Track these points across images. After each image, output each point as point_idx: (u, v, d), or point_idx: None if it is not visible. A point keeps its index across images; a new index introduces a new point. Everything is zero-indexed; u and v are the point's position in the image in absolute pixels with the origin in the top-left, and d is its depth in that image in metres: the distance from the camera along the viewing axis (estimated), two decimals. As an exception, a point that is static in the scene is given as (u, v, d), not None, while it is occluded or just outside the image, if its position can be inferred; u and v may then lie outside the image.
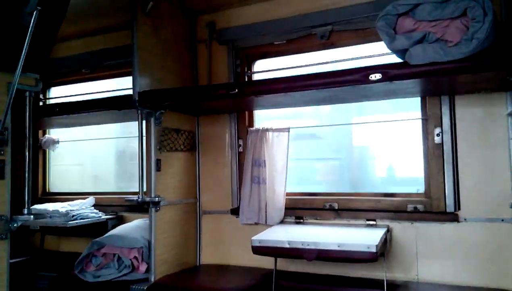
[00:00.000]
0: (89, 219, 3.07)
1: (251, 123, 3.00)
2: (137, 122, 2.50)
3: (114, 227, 3.01)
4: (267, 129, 2.78)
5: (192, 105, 2.70)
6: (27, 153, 1.94)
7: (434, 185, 2.41)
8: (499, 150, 2.26)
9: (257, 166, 2.79)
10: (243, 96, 2.33)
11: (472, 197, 2.32)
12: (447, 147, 2.37)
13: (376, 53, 2.52)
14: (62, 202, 3.26)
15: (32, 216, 1.90)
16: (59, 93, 3.79)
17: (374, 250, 1.97)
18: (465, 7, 1.69)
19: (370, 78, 1.94)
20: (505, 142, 2.24)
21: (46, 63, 2.07)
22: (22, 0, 1.74)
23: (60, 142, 3.73)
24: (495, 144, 2.27)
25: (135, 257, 2.57)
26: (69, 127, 3.67)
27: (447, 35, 1.74)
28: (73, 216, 3.00)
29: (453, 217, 2.33)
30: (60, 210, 3.03)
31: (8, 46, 1.84)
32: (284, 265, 2.63)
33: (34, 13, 1.70)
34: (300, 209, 2.75)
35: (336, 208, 2.66)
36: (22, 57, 1.72)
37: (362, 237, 2.24)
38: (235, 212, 2.89)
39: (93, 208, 3.24)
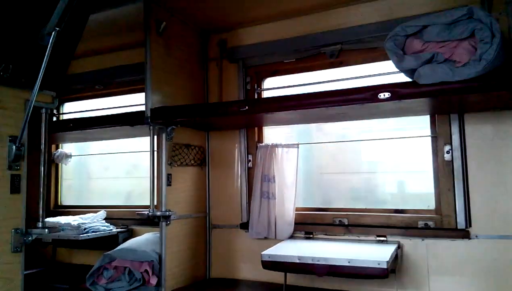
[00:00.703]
0: (100, 232, 3.11)
1: (260, 139, 3.03)
2: (148, 137, 2.55)
3: (125, 240, 3.04)
4: (277, 145, 2.81)
5: (202, 121, 2.74)
6: (42, 168, 1.98)
7: (444, 201, 2.41)
8: (509, 167, 2.26)
9: (267, 181, 2.81)
10: (253, 113, 2.36)
11: (483, 214, 2.31)
12: (457, 164, 2.37)
13: (385, 71, 2.55)
14: (73, 215, 3.31)
15: (46, 230, 1.93)
16: (72, 109, 3.87)
17: (385, 266, 1.98)
18: (473, 29, 1.71)
19: (379, 96, 1.96)
20: (516, 160, 2.24)
21: (62, 80, 2.12)
22: (41, 21, 1.80)
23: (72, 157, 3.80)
24: (505, 161, 2.28)
25: (146, 271, 2.58)
26: (82, 142, 3.73)
27: (455, 55, 1.76)
28: (84, 229, 3.04)
29: (464, 234, 2.33)
30: (72, 223, 3.07)
31: (27, 65, 1.90)
32: (294, 280, 2.63)
33: (53, 33, 1.76)
34: (310, 224, 2.76)
35: (346, 223, 2.66)
36: (40, 75, 1.77)
37: (373, 253, 2.24)
38: (244, 226, 2.91)
39: (104, 221, 3.27)
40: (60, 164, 3.86)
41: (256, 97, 3.02)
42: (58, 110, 3.88)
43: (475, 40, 1.72)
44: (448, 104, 2.20)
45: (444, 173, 2.42)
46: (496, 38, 1.65)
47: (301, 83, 2.88)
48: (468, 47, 1.73)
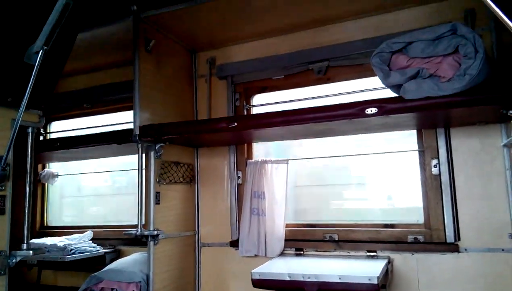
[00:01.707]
0: (87, 253, 3.05)
1: (250, 156, 3.03)
2: (136, 155, 2.53)
3: (112, 260, 2.98)
4: (266, 161, 2.81)
5: (192, 138, 2.74)
6: (27, 188, 1.94)
7: (433, 215, 2.43)
8: (496, 181, 2.29)
9: (256, 197, 2.80)
10: (242, 130, 2.36)
11: (472, 227, 2.33)
12: (445, 178, 2.40)
13: (371, 87, 2.58)
14: (59, 236, 3.24)
15: (31, 252, 1.89)
16: (60, 128, 3.83)
17: (375, 281, 1.96)
18: (457, 45, 1.76)
19: (366, 112, 1.98)
20: (502, 173, 2.28)
21: (49, 99, 2.10)
22: (28, 40, 1.80)
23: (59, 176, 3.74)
24: (492, 175, 2.31)
25: (134, 292, 2.54)
26: (69, 161, 3.68)
27: (440, 71, 1.80)
28: (71, 250, 2.99)
29: (454, 248, 2.34)
30: (58, 244, 3.02)
31: (13, 84, 1.88)
32: (285, 298, 2.60)
33: (40, 52, 1.75)
34: (300, 240, 2.75)
35: (336, 239, 2.65)
36: (26, 95, 1.75)
37: (363, 268, 2.23)
38: (234, 244, 2.88)
39: (91, 241, 3.22)
40: (46, 183, 3.80)
41: (245, 113, 3.03)
42: (45, 129, 3.84)
43: (459, 55, 1.76)
44: (434, 118, 2.24)
45: (432, 187, 2.44)
46: (480, 53, 1.69)
47: (290, 99, 2.90)
48: (452, 63, 1.77)
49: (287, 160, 2.78)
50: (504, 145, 2.26)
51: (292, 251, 2.74)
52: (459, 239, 2.34)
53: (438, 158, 2.43)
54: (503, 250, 2.24)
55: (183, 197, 2.90)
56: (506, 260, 2.23)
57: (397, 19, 2.54)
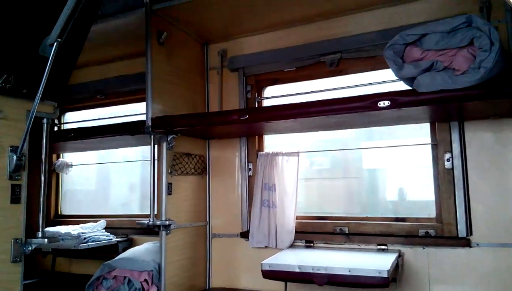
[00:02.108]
0: (100, 242, 3.09)
1: (261, 148, 3.03)
2: (149, 146, 2.56)
3: (124, 249, 3.03)
4: (277, 154, 2.81)
5: (203, 130, 2.75)
6: (42, 178, 1.97)
7: (445, 209, 2.40)
8: (510, 175, 2.26)
9: (267, 189, 2.81)
10: (254, 122, 2.37)
11: (484, 222, 2.30)
12: (458, 172, 2.37)
13: (384, 80, 2.56)
14: (73, 224, 3.30)
15: (46, 240, 1.92)
16: (73, 118, 3.88)
17: (385, 275, 1.96)
18: (472, 37, 1.72)
19: (378, 105, 1.96)
20: (516, 167, 2.24)
21: (63, 90, 2.13)
22: (43, 32, 1.82)
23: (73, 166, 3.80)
24: (506, 169, 2.27)
25: (145, 280, 2.57)
26: (83, 151, 3.73)
27: (454, 63, 1.77)
28: (84, 238, 3.03)
29: (465, 242, 2.32)
30: (72, 232, 3.06)
31: (28, 76, 1.90)
32: (294, 289, 2.61)
33: (55, 44, 1.76)
34: (310, 233, 2.75)
35: (347, 232, 2.65)
36: (41, 86, 1.77)
37: (373, 262, 2.22)
38: (245, 235, 2.90)
39: (104, 230, 3.27)
40: (60, 173, 3.86)
41: (256, 106, 3.03)
42: (59, 120, 3.89)
43: (474, 48, 1.73)
44: (447, 112, 2.21)
45: (444, 180, 2.42)
46: (495, 46, 1.66)
47: (301, 92, 2.89)
48: (467, 55, 1.74)
49: (298, 152, 2.78)
50: (519, 139, 2.23)
51: (302, 243, 2.75)
52: (471, 234, 2.32)
53: (451, 152, 2.40)
54: (515, 245, 2.21)
55: (194, 188, 2.93)
56: (519, 255, 2.21)
57: (411, 10, 2.49)
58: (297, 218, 2.77)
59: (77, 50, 2.06)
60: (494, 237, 2.27)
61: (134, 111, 3.32)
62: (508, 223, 2.24)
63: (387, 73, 2.43)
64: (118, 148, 3.48)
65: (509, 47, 2.17)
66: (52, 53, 1.76)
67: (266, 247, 2.78)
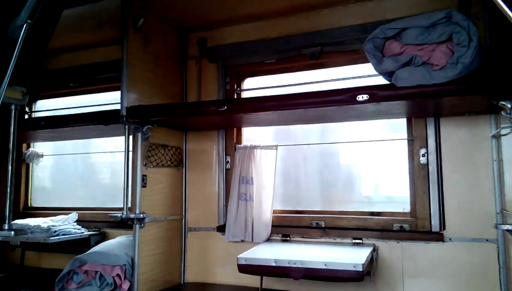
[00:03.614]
0: (71, 235, 3.01)
1: (239, 140, 3.00)
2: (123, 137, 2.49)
3: (97, 243, 2.96)
4: (255, 147, 2.79)
5: (180, 121, 2.70)
6: (9, 167, 1.89)
7: (419, 204, 2.44)
8: (484, 171, 2.31)
9: (245, 183, 2.78)
10: (232, 114, 2.33)
11: (457, 217, 2.35)
12: (432, 167, 2.41)
13: (364, 74, 2.56)
14: (44, 217, 3.20)
15: (13, 232, 1.85)
16: (45, 107, 3.75)
17: (360, 269, 1.97)
18: (451, 32, 1.73)
19: (357, 99, 1.96)
20: (490, 164, 2.29)
21: (33, 76, 2.04)
22: (12, 13, 1.73)
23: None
24: (479, 165, 2.32)
25: (118, 275, 2.51)
26: (55, 141, 3.62)
27: (433, 59, 1.78)
28: (55, 231, 2.94)
29: (439, 237, 2.36)
30: (42, 225, 2.97)
31: (-5, 59, 1.81)
32: (270, 283, 2.60)
33: (24, 26, 1.68)
34: (287, 226, 2.74)
35: (323, 226, 2.66)
36: (9, 70, 1.69)
37: (349, 256, 2.23)
38: (221, 229, 2.87)
39: (75, 223, 3.18)
40: (31, 163, 3.73)
41: (235, 97, 2.99)
42: (30, 108, 3.75)
43: (453, 43, 1.74)
44: (424, 107, 2.23)
45: (419, 176, 2.45)
46: (473, 42, 1.67)
47: (281, 84, 2.87)
48: (445, 51, 1.75)
49: (276, 145, 2.76)
50: (493, 136, 2.27)
51: (279, 237, 2.74)
52: (444, 228, 2.37)
53: (426, 147, 2.43)
54: (487, 240, 2.26)
55: (170, 180, 2.87)
56: (490, 250, 2.25)
57: (391, 5, 2.50)
58: (274, 211, 2.76)
59: (48, 34, 1.98)
60: (467, 232, 2.31)
61: (111, 100, 3.22)
62: (480, 218, 2.29)
63: (367, 68, 2.43)
64: (92, 137, 3.38)
65: (486, 43, 2.20)
66: (21, 35, 1.67)
67: (242, 241, 2.76)
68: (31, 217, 3.29)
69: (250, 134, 3.03)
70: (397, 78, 1.87)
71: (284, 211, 2.84)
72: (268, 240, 2.72)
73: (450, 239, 2.34)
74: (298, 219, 2.75)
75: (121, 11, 2.47)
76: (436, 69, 1.78)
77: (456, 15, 1.72)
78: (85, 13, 2.74)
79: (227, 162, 2.96)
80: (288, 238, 2.72)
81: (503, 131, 2.04)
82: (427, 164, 2.43)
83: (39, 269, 3.38)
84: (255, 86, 3.01)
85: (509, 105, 1.75)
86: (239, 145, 2.89)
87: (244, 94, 3.05)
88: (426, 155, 2.43)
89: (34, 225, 2.98)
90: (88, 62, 3.30)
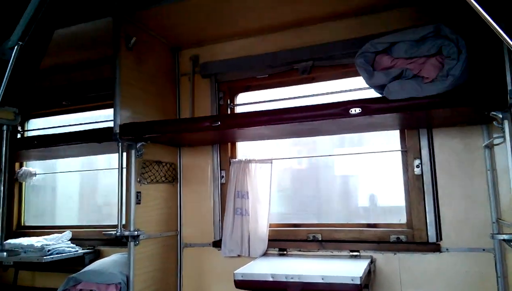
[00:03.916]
0: (65, 254, 2.98)
1: (233, 155, 3.00)
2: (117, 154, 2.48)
3: (91, 261, 2.92)
4: (250, 161, 2.79)
5: (174, 137, 2.69)
6: (2, 188, 1.87)
7: (415, 215, 2.44)
8: (478, 181, 2.32)
9: (240, 197, 2.77)
10: (226, 129, 2.33)
11: (453, 227, 2.35)
12: (427, 178, 2.41)
13: (356, 87, 2.58)
14: (37, 236, 3.16)
15: (5, 253, 1.83)
16: (38, 125, 3.73)
17: (358, 282, 1.96)
18: (440, 45, 1.76)
19: (350, 112, 1.97)
20: (483, 174, 2.30)
21: (26, 96, 2.03)
22: (3, 34, 1.73)
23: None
24: (473, 175, 2.33)
25: (113, 294, 2.48)
26: (48, 159, 3.59)
27: (423, 71, 1.80)
28: (48, 250, 2.91)
29: (435, 247, 2.35)
30: (35, 244, 2.94)
31: (-14, 80, 1.81)
32: (268, 299, 2.58)
33: (15, 47, 1.68)
34: (284, 240, 2.73)
35: (320, 239, 2.64)
36: (1, 91, 1.69)
37: (346, 269, 2.22)
38: (217, 244, 2.85)
39: (69, 242, 3.14)
40: (24, 182, 3.70)
41: (229, 112, 2.99)
42: (22, 127, 3.74)
43: (443, 56, 1.77)
44: (417, 119, 2.25)
45: (414, 186, 2.46)
46: (463, 54, 1.70)
47: (274, 98, 2.88)
48: (435, 64, 1.78)
49: (271, 160, 2.76)
50: (486, 146, 2.28)
51: (276, 251, 2.72)
52: (440, 239, 2.36)
53: (420, 158, 2.44)
54: (484, 249, 2.26)
55: (165, 196, 2.85)
56: (487, 260, 2.25)
57: (381, 20, 2.53)
58: (270, 225, 2.75)
59: (40, 55, 1.97)
60: (463, 242, 2.32)
61: (104, 118, 3.21)
62: (476, 228, 2.29)
63: (358, 81, 2.45)
64: (86, 155, 3.36)
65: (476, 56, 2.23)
66: (12, 57, 1.68)
67: (239, 256, 2.74)
68: (24, 236, 3.25)
69: (248, 149, 3.02)
70: (388, 91, 1.88)
71: (281, 224, 2.83)
72: (265, 254, 2.70)
73: (447, 249, 2.34)
74: (294, 233, 2.74)
75: (113, 31, 2.48)
76: (426, 82, 1.80)
77: (445, 29, 1.75)
78: (78, 32, 2.74)
79: (222, 177, 2.95)
80: (285, 252, 2.70)
81: (495, 141, 2.06)
82: (422, 174, 2.43)
83: (33, 289, 3.32)
84: (248, 101, 3.02)
85: (500, 116, 1.76)
86: (234, 159, 2.89)
87: (238, 109, 3.05)
88: (420, 165, 2.44)
89: (27, 244, 2.95)
90: (81, 80, 3.30)
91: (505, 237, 1.74)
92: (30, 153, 3.13)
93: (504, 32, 1.11)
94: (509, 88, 1.66)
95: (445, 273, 2.33)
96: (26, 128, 3.75)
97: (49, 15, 1.76)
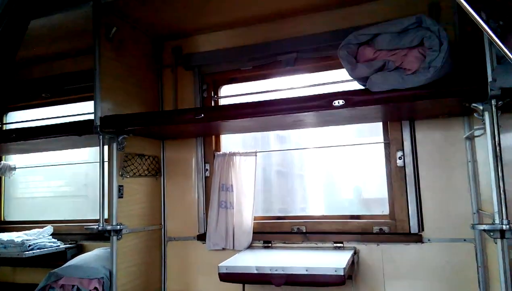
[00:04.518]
0: (46, 249, 2.93)
1: (218, 148, 2.98)
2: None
3: (73, 256, 2.88)
4: (234, 154, 2.77)
5: (157, 130, 2.66)
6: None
7: (398, 206, 2.46)
8: (459, 172, 2.35)
9: (224, 190, 2.76)
10: (210, 121, 2.31)
11: (435, 218, 2.38)
12: (409, 170, 2.43)
13: (339, 79, 2.58)
14: (18, 231, 3.10)
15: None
16: (17, 118, 3.64)
17: (341, 273, 1.98)
18: (422, 37, 1.76)
19: (333, 104, 1.97)
20: (464, 165, 2.33)
21: (2, 88, 1.97)
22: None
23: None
24: (454, 166, 2.36)
25: (96, 288, 2.43)
26: (28, 153, 3.51)
27: (405, 63, 1.80)
28: (29, 246, 2.86)
29: (417, 238, 2.38)
30: (16, 239, 2.88)
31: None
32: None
33: (-11, 37, 1.63)
34: (268, 233, 2.73)
35: (304, 231, 2.65)
36: (-25, 82, 1.64)
37: (330, 260, 2.24)
38: (201, 238, 2.84)
39: (51, 237, 3.09)
40: (3, 177, 3.62)
41: (213, 105, 2.97)
42: (1, 120, 3.64)
43: (424, 48, 1.77)
44: (399, 111, 2.26)
45: (397, 178, 2.47)
46: (444, 45, 1.70)
47: (258, 91, 2.87)
48: (417, 55, 1.78)
49: (256, 152, 2.75)
50: (466, 137, 2.31)
51: (260, 244, 2.72)
52: (422, 230, 2.39)
53: (403, 150, 2.46)
54: (464, 240, 2.30)
55: (148, 190, 2.82)
56: (468, 250, 2.29)
57: (364, 11, 2.53)
58: (255, 218, 2.75)
59: (15, 45, 1.92)
60: (444, 233, 2.35)
61: (85, 110, 3.14)
62: (457, 218, 2.32)
63: (342, 73, 2.45)
64: (66, 149, 3.29)
65: (457, 48, 2.24)
66: (-14, 46, 1.62)
67: (223, 249, 2.73)
68: (4, 231, 3.18)
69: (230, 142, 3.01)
70: (371, 83, 1.88)
71: (265, 217, 2.83)
72: (250, 247, 2.69)
73: (429, 240, 2.37)
74: (279, 225, 2.74)
75: (93, 20, 2.42)
76: (408, 74, 1.80)
77: (427, 21, 1.75)
78: (57, 23, 2.67)
79: (206, 170, 2.93)
80: (270, 245, 2.70)
81: (476, 133, 2.08)
82: (404, 166, 2.45)
83: (14, 284, 3.27)
84: (232, 93, 3.00)
85: (481, 107, 1.78)
86: (218, 152, 2.87)
87: (221, 102, 3.03)
88: (402, 157, 2.46)
89: (7, 240, 2.89)
90: (60, 72, 3.23)
91: (486, 227, 1.76)
92: (9, 146, 3.05)
93: (485, 23, 1.11)
94: (489, 79, 1.68)
95: (427, 263, 2.36)
96: (4, 121, 3.65)
97: (24, 3, 1.71)
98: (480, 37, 1.70)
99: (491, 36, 1.18)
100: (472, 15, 1.11)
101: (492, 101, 1.72)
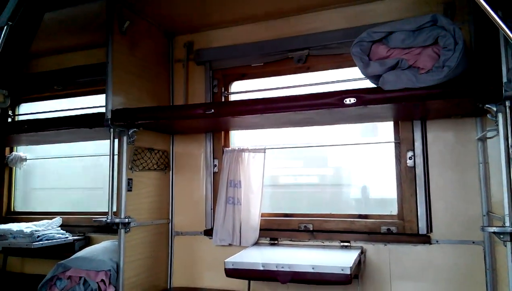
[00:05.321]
0: (55, 240, 2.96)
1: (227, 143, 2.98)
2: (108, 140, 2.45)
3: (81, 248, 2.91)
4: (243, 150, 2.77)
5: (167, 124, 2.67)
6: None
7: (406, 207, 2.44)
8: (470, 174, 2.32)
9: (232, 186, 2.76)
10: (220, 117, 2.31)
11: (444, 219, 2.36)
12: (419, 170, 2.42)
13: (351, 77, 2.57)
14: (27, 221, 3.13)
15: (-6, 238, 1.81)
16: (29, 110, 3.68)
17: (348, 272, 1.97)
18: (437, 36, 1.74)
19: (344, 102, 1.96)
20: (476, 166, 2.31)
21: (16, 79, 2.00)
22: (-8, 14, 1.69)
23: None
24: (466, 168, 2.34)
25: (102, 280, 2.46)
26: (39, 145, 3.55)
27: (419, 62, 1.78)
28: (38, 236, 2.89)
29: (425, 239, 2.36)
30: (25, 230, 2.91)
31: (-25, 61, 1.77)
32: (258, 287, 2.59)
33: (5, 28, 1.65)
34: (275, 230, 2.73)
35: (311, 229, 2.65)
36: (-11, 72, 1.66)
37: (337, 258, 2.23)
38: (208, 233, 2.84)
39: (59, 228, 3.13)
40: (14, 167, 3.66)
41: (223, 100, 2.97)
42: (13, 111, 3.67)
43: (439, 47, 1.75)
44: (411, 110, 2.24)
45: (406, 178, 2.46)
46: (459, 45, 1.68)
47: (269, 87, 2.86)
48: (431, 54, 1.76)
49: (264, 149, 2.75)
50: (479, 139, 2.29)
51: (267, 241, 2.72)
52: (431, 231, 2.38)
53: (413, 150, 2.44)
54: (473, 242, 2.28)
55: (156, 184, 2.84)
56: (476, 252, 2.27)
57: (377, 9, 2.52)
58: (262, 215, 2.74)
59: (30, 36, 1.94)
60: (453, 234, 2.33)
61: (97, 103, 3.16)
62: (467, 220, 2.31)
63: (354, 71, 2.44)
64: (77, 141, 3.31)
65: (472, 48, 2.22)
66: (2, 37, 1.64)
67: (230, 245, 2.74)
68: (14, 222, 3.22)
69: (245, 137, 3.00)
70: (383, 81, 1.87)
71: (272, 214, 2.83)
72: (256, 243, 2.70)
73: (437, 241, 2.35)
74: (286, 222, 2.74)
75: (106, 14, 2.44)
76: (422, 73, 1.78)
77: (442, 19, 1.73)
78: (70, 16, 2.69)
79: (215, 165, 2.93)
80: (276, 242, 2.70)
81: (489, 134, 2.06)
82: (414, 166, 2.44)
83: (22, 274, 3.31)
84: (243, 89, 2.99)
85: (494, 109, 1.76)
86: (227, 148, 2.87)
87: (232, 97, 3.03)
88: (413, 157, 2.44)
89: (17, 230, 2.92)
90: (73, 65, 3.25)
91: (495, 229, 1.74)
92: (20, 137, 3.08)
93: (502, 21, 1.09)
94: (504, 80, 1.66)
95: (434, 264, 2.34)
96: (17, 113, 3.69)
97: (39, -5, 1.73)
98: (496, 37, 1.67)
99: (507, 34, 1.16)
100: (489, 12, 1.10)
101: (506, 102, 1.69)
